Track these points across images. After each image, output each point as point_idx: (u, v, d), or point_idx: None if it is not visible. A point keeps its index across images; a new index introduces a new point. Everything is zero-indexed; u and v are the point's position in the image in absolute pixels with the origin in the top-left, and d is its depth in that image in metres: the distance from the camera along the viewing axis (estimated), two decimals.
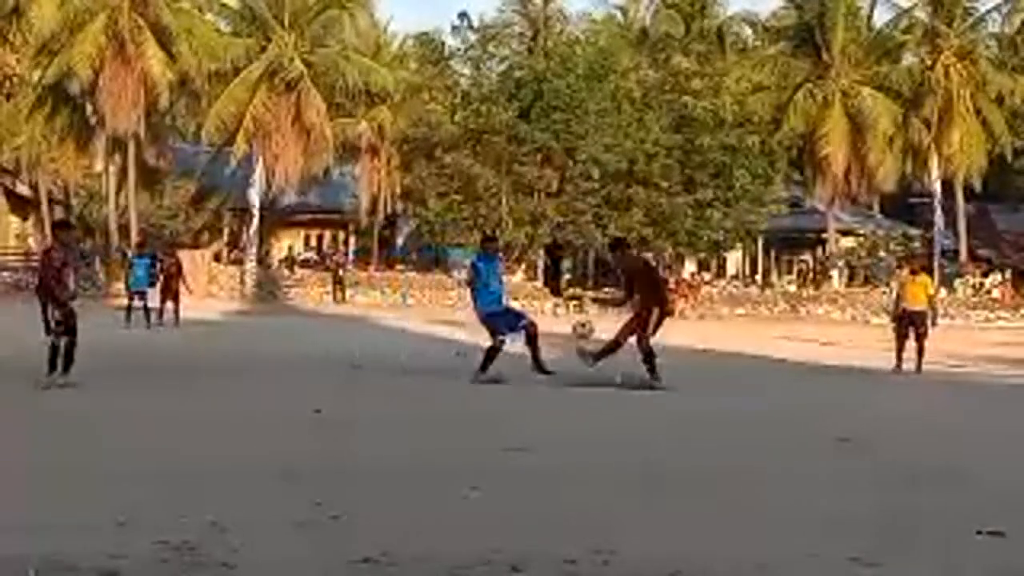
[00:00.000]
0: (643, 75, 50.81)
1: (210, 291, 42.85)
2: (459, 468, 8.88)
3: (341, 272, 47.26)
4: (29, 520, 6.69)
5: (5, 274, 43.88)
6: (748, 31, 59.41)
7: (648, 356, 14.89)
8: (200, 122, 49.76)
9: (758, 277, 55.45)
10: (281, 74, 47.00)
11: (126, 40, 44.66)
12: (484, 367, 15.38)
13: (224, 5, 50.68)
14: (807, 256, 57.95)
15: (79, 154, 48.41)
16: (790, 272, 57.19)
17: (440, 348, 22.56)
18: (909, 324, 19.90)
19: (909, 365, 19.45)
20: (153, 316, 26.56)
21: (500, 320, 15.76)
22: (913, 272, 21.19)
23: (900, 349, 19.72)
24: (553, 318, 38.66)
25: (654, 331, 14.99)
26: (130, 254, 31.69)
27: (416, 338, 26.73)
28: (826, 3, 51.69)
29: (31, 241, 50.37)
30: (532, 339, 15.85)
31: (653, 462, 9.46)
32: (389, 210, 53.63)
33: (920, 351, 19.61)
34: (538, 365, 15.81)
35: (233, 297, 44.28)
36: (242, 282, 46.11)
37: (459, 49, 55.04)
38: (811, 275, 55.15)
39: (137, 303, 26.65)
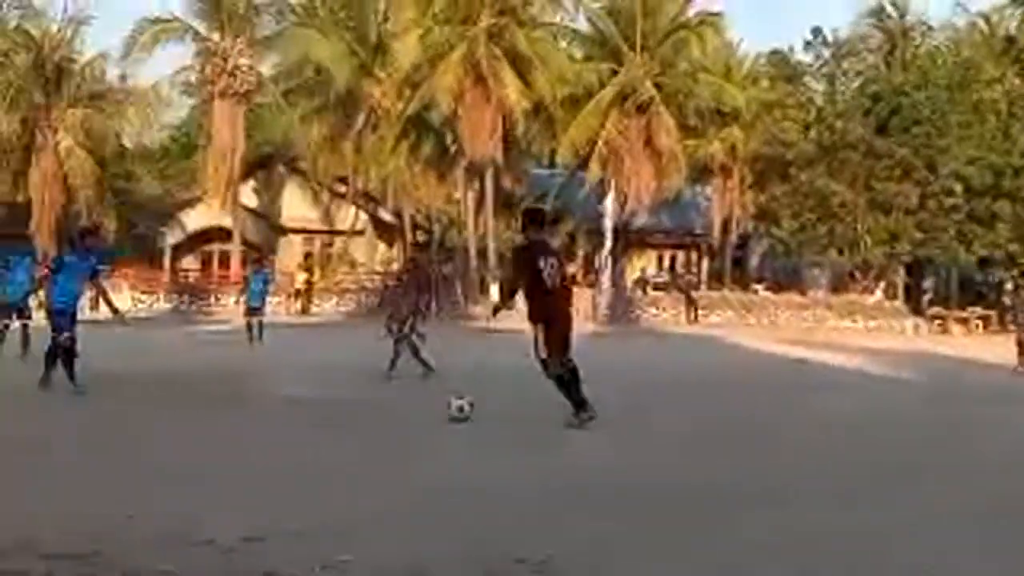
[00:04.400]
0: (1009, 85, 48.55)
1: None
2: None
3: (692, 293, 47.26)
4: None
5: (369, 298, 45.81)
6: None
7: None
8: (554, 147, 50.75)
9: None
10: (632, 97, 47.50)
11: (484, 70, 45.90)
12: None
13: (576, 32, 51.66)
14: None
15: (439, 181, 50.20)
16: None
17: (786, 367, 22.30)
18: None
19: None
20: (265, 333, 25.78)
21: None
22: None
23: None
24: (915, 336, 37.57)
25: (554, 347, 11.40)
26: (248, 271, 30.56)
27: (764, 357, 26.41)
28: None
29: (394, 266, 52.42)
30: None
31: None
32: (742, 230, 53.27)
33: None
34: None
35: (587, 318, 44.85)
36: (595, 304, 46.65)
37: (812, 65, 54.16)
38: None
39: (252, 319, 25.85)
